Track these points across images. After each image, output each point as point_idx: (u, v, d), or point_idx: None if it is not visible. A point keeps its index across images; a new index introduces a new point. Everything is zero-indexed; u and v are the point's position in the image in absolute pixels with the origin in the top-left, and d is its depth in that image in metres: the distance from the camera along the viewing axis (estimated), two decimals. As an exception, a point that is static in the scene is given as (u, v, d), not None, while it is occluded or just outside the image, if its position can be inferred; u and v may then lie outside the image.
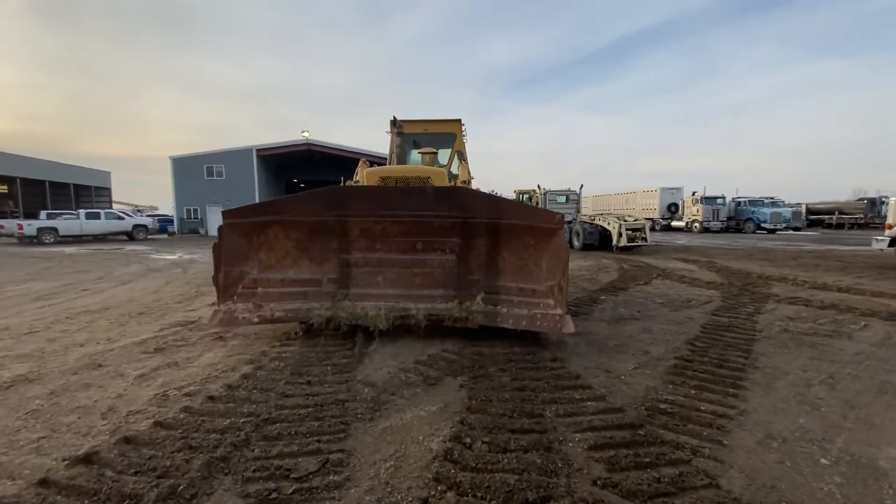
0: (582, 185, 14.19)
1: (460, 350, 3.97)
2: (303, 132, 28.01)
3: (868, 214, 33.10)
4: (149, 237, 24.11)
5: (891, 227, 9.73)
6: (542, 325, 4.10)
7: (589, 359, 3.83)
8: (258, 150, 28.17)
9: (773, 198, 31.76)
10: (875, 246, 10.00)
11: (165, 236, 26.41)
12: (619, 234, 13.22)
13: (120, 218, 23.14)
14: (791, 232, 28.76)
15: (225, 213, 4.11)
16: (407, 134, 7.79)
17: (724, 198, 31.74)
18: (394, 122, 6.74)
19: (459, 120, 8.35)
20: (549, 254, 4.27)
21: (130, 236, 23.11)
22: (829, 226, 33.89)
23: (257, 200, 28.14)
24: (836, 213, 34.46)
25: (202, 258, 13.24)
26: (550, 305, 4.19)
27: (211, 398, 2.92)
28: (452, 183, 6.91)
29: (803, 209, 33.70)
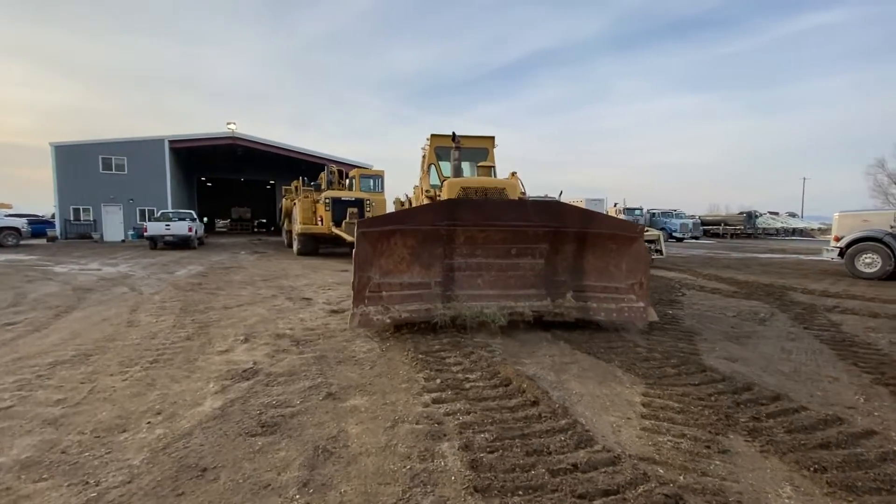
0: (561, 192, 14.22)
1: (652, 392, 3.26)
2: (228, 124, 24.50)
3: (746, 226, 39.14)
4: (20, 243, 19.03)
5: (838, 238, 11.17)
6: (630, 317, 4.90)
7: (797, 392, 3.36)
8: (171, 142, 23.97)
9: (676, 210, 36.09)
10: (826, 256, 11.41)
11: (45, 242, 21.05)
12: None
13: (-22, 218, 17.86)
14: (693, 240, 32.64)
15: (359, 223, 4.28)
16: (445, 147, 7.74)
17: (641, 209, 35.13)
18: (453, 138, 6.89)
19: (493, 137, 8.18)
20: (630, 257, 4.95)
21: (-6, 242, 17.96)
22: (716, 235, 39.32)
23: (170, 199, 24.12)
24: (723, 224, 40.22)
25: (133, 271, 10.52)
26: (633, 300, 4.95)
27: (484, 518, 1.84)
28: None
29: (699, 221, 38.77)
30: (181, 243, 18.18)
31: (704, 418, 2.84)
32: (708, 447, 2.49)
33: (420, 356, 3.97)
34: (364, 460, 2.31)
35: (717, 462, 2.35)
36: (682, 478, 2.18)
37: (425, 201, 6.60)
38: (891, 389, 3.40)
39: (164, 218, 18.56)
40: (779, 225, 41.29)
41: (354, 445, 2.46)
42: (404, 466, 2.24)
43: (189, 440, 2.47)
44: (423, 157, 8.83)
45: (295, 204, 16.25)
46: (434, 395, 3.17)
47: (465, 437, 2.53)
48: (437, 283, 4.82)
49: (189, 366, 3.75)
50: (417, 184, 9.08)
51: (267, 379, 3.44)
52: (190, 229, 17.89)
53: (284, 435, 2.55)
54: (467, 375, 3.56)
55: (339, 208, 14.30)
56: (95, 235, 22.94)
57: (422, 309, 4.58)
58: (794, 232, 41.45)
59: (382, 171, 16.77)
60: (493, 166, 6.96)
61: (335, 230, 13.92)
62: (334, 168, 16.94)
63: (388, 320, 4.40)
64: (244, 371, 3.60)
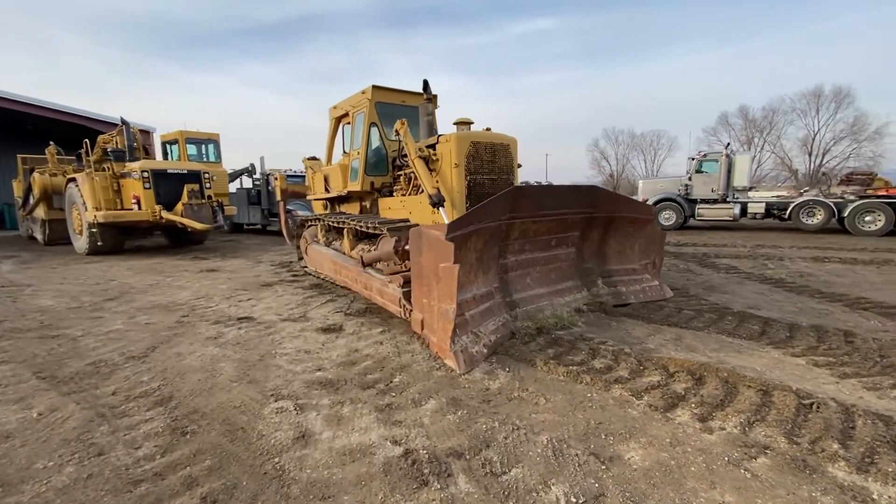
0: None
1: (794, 352, 3.55)
2: None
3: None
4: None
5: (645, 200, 14.61)
6: (652, 295, 5.16)
7: (841, 325, 4.18)
8: None
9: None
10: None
11: None
12: None
13: None
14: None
15: (450, 227, 3.34)
16: (388, 104, 6.63)
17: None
18: (425, 88, 5.91)
19: (436, 95, 7.10)
20: (644, 238, 5.26)
21: None
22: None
23: None
24: (514, 192, 47.96)
25: None
26: (649, 279, 5.31)
27: None
28: None
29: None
30: None
31: (868, 364, 3.22)
32: None
33: (572, 368, 3.22)
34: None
35: None
36: None
37: (419, 165, 5.18)
38: (874, 312, 4.58)
39: None
40: (549, 192, 51.77)
41: (781, 520, 1.75)
42: (879, 523, 1.72)
43: None
44: (345, 115, 7.07)
45: (74, 181, 11.01)
46: (683, 413, 2.60)
47: (824, 456, 2.13)
48: (496, 288, 4.20)
49: (302, 475, 2.01)
50: (345, 150, 7.29)
51: (468, 465, 2.14)
52: None
53: (699, 548, 1.62)
54: (655, 380, 3.06)
55: (166, 185, 10.40)
56: None
57: (500, 325, 3.88)
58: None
59: (217, 135, 12.95)
60: (472, 122, 6.06)
61: (167, 216, 10.14)
62: (136, 130, 12.14)
63: (486, 350, 3.51)
64: (410, 461, 2.15)
